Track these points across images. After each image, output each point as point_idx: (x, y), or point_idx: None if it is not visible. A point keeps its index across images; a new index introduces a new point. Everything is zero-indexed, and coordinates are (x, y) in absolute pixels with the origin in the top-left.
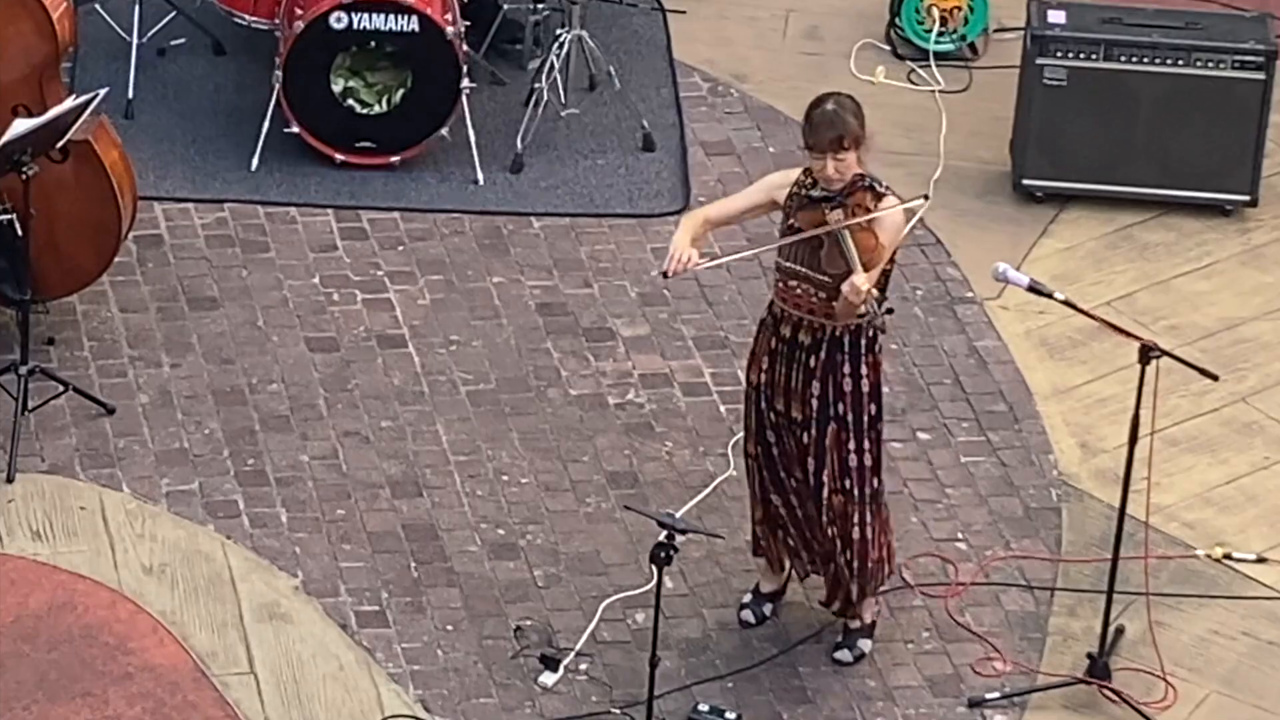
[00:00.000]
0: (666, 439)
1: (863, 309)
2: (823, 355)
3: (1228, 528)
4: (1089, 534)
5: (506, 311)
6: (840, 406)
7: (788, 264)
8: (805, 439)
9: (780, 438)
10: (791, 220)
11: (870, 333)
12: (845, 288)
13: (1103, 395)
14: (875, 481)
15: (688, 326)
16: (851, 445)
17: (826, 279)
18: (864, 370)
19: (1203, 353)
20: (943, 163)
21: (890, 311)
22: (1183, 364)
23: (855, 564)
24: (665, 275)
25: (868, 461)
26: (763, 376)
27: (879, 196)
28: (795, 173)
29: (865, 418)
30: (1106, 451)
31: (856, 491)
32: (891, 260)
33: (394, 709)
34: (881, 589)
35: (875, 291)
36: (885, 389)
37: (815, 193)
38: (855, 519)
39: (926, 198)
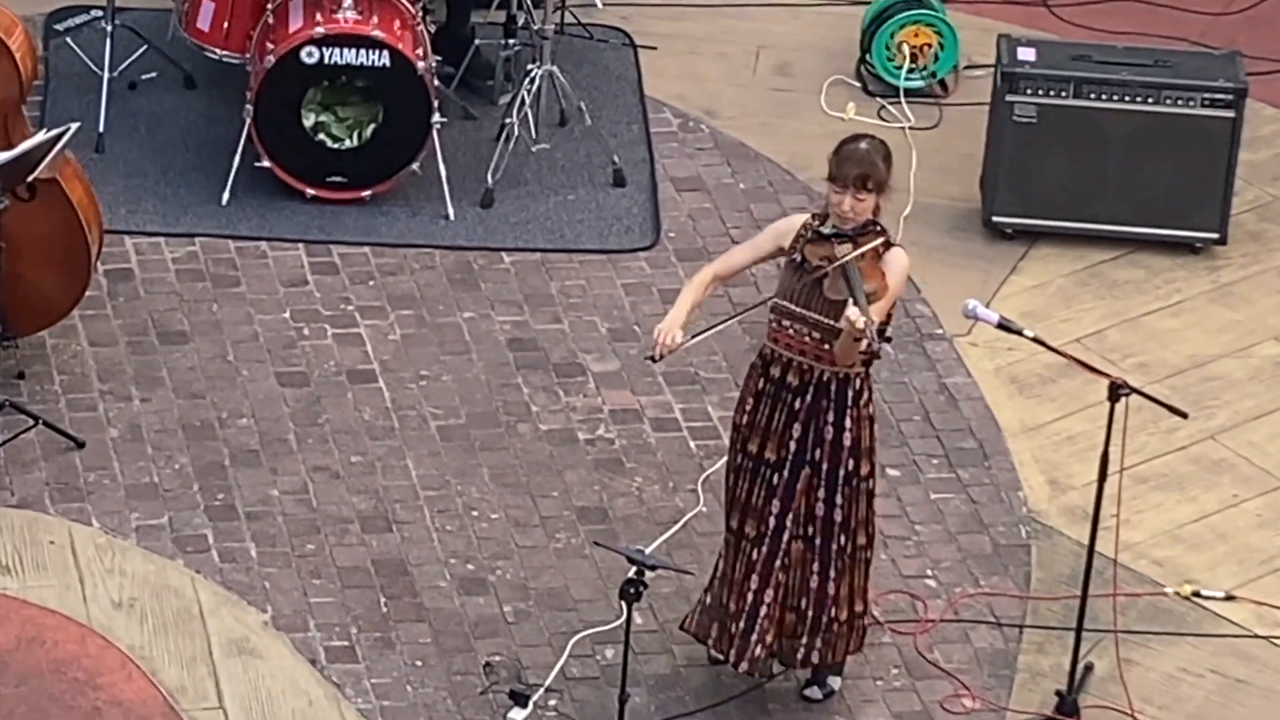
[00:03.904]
0: (636, 475)
1: (864, 342)
2: (808, 399)
3: (1196, 565)
4: (1058, 571)
5: (477, 347)
6: (817, 453)
7: (784, 303)
8: (775, 480)
9: (738, 480)
10: (795, 256)
11: (858, 384)
12: (843, 322)
13: (1072, 432)
14: (845, 539)
15: (658, 363)
16: (822, 494)
17: (823, 319)
18: (847, 423)
19: (1172, 390)
20: (913, 199)
21: (889, 340)
22: (1152, 401)
23: (811, 614)
24: (652, 360)
25: (838, 516)
26: (745, 417)
27: (889, 245)
28: (801, 218)
29: (841, 471)
30: (1076, 489)
31: (819, 542)
32: (891, 310)
33: None
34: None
35: (875, 318)
36: (875, 446)
37: (825, 229)
38: (815, 568)
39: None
